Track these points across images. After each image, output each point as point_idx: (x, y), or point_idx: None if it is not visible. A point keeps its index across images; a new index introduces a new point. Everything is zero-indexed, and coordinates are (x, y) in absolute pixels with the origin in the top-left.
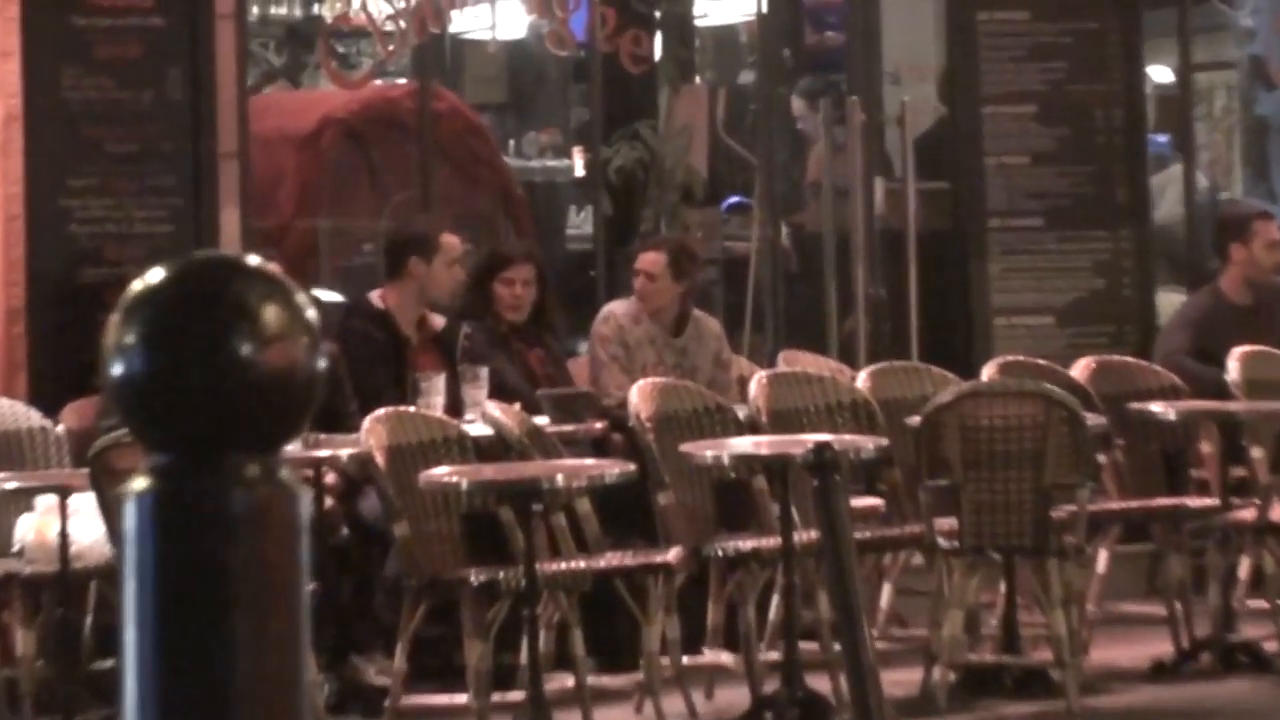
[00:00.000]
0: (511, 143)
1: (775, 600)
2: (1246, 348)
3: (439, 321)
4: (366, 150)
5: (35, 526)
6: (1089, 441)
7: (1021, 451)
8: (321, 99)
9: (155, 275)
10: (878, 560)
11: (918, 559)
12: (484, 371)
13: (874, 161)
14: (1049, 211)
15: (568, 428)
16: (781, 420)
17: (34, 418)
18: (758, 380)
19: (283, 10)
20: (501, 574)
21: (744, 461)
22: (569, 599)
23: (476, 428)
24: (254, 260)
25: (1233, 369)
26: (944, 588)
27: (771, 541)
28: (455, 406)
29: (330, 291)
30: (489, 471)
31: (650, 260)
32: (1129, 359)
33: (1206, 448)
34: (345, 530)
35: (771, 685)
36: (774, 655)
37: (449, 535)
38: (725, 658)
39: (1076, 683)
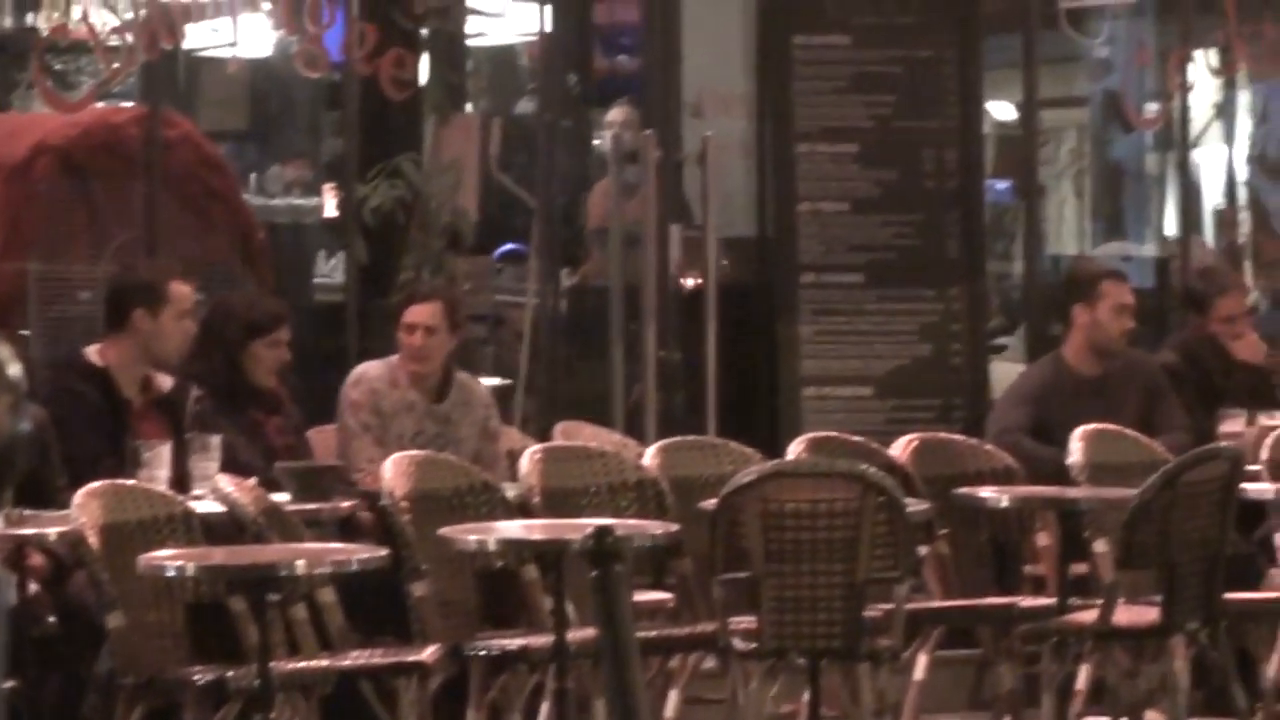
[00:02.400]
0: (253, 177)
1: (545, 707)
2: (1091, 426)
3: (165, 383)
4: (85, 183)
5: None
6: (908, 531)
7: (831, 541)
8: (34, 123)
9: None
10: (664, 663)
11: (710, 662)
12: (215, 441)
13: (669, 205)
14: (870, 266)
15: (311, 506)
16: (557, 501)
17: None
18: (530, 455)
19: None
20: (231, 673)
21: (513, 548)
22: (308, 702)
23: (205, 505)
24: None
25: (1075, 450)
26: (739, 695)
27: (542, 640)
28: (181, 480)
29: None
30: (219, 555)
31: (427, 312)
32: (957, 437)
33: (1043, 540)
34: (52, 619)
35: None
36: None
37: (171, 628)
38: None
39: None
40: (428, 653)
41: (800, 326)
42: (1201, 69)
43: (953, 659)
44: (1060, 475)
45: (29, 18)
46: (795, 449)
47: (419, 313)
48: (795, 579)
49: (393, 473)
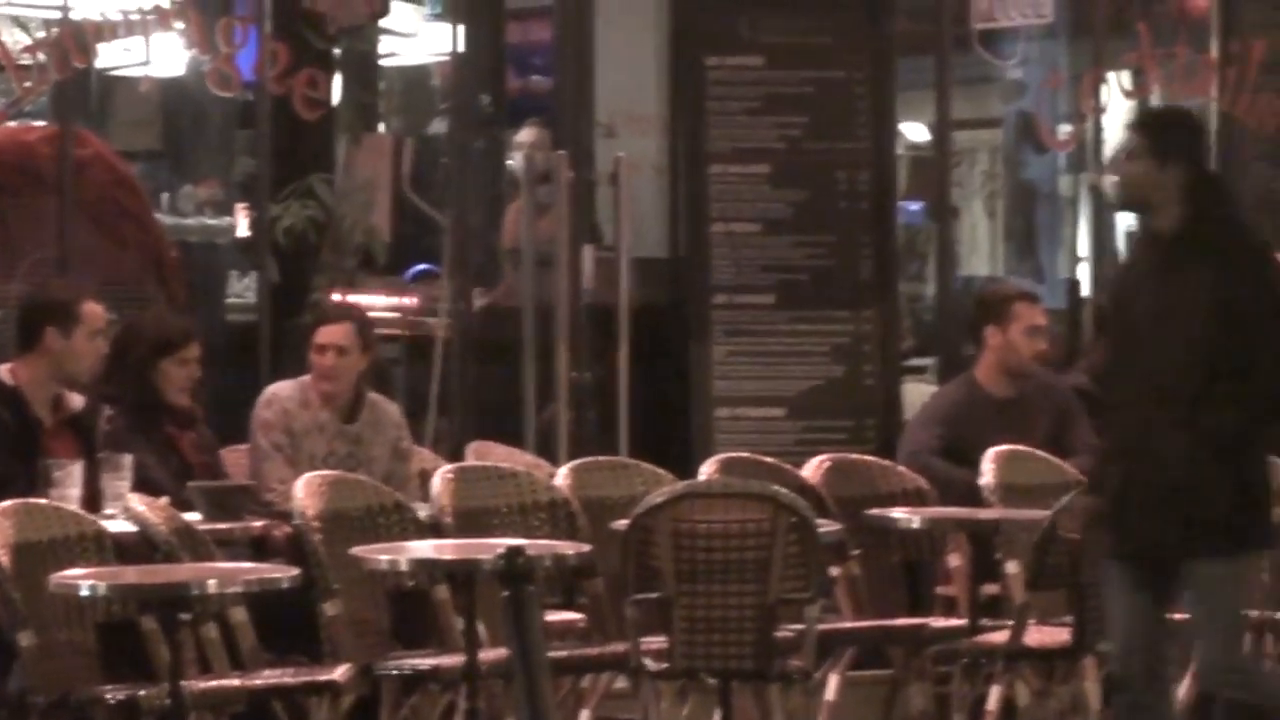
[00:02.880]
0: (165, 196)
1: None
2: (1003, 447)
3: (77, 402)
4: None
5: None
6: (820, 551)
7: (743, 562)
8: None
9: None
10: (575, 683)
11: (621, 682)
12: (127, 460)
13: (582, 225)
14: (782, 287)
15: (223, 526)
16: (468, 521)
17: None
18: (442, 475)
19: None
20: (142, 692)
21: (424, 568)
22: None
23: (117, 524)
24: None
25: (987, 471)
26: (650, 716)
27: (453, 659)
28: (93, 499)
29: None
30: (130, 575)
31: (339, 332)
32: (869, 458)
33: (955, 561)
34: None
35: None
36: None
37: (83, 647)
38: None
39: None
40: (339, 672)
41: (712, 347)
42: (1115, 91)
43: (864, 679)
44: (972, 496)
45: None
46: (707, 470)
47: (330, 333)
48: (707, 599)
49: (304, 492)
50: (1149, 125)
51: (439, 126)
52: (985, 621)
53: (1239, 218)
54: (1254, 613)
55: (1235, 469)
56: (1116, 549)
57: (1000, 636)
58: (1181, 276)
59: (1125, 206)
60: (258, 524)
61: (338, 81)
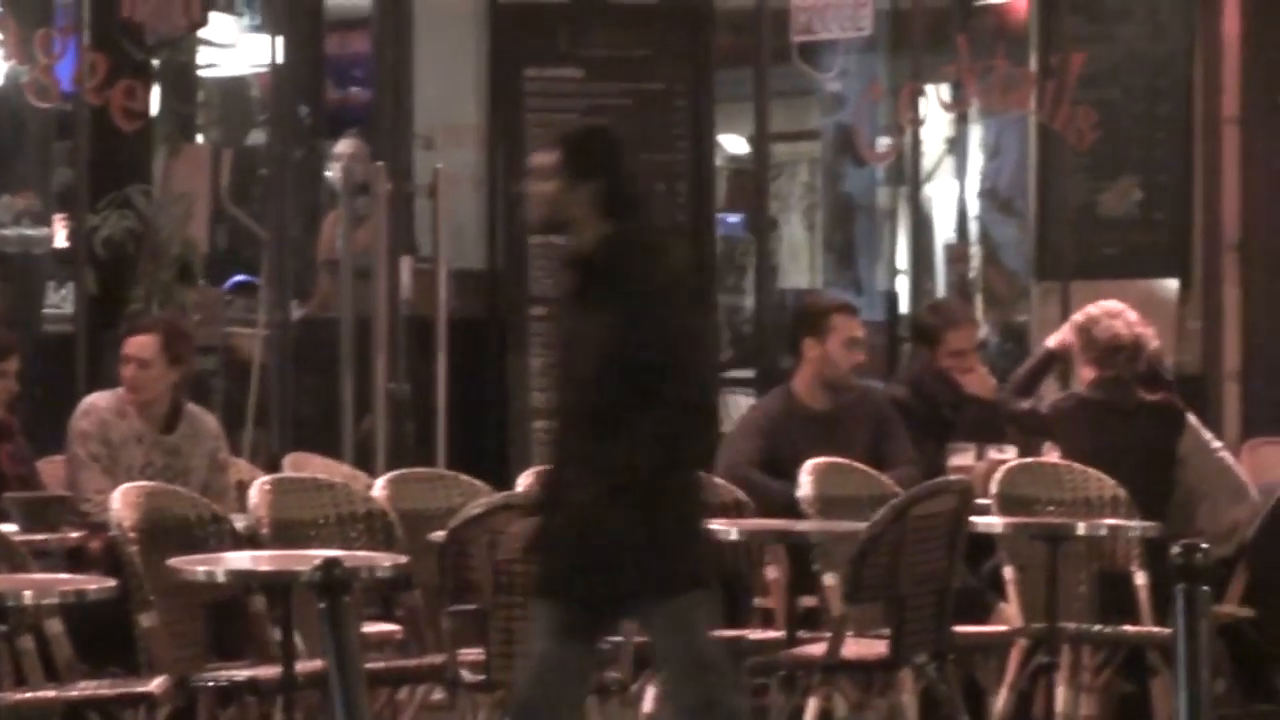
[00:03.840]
0: None
1: None
2: (821, 459)
3: None
4: None
5: None
6: None
7: None
8: None
9: None
10: (392, 694)
11: (438, 694)
12: None
13: (400, 237)
14: None
15: (39, 537)
16: (286, 533)
17: None
18: (259, 486)
19: None
20: None
21: (241, 579)
22: None
23: None
24: None
25: (805, 483)
26: None
27: (270, 670)
28: None
29: None
30: None
31: (141, 344)
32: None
33: (772, 573)
34: None
35: None
36: None
37: None
38: None
39: None
40: (156, 683)
41: (530, 359)
42: (933, 104)
43: None
44: (790, 508)
45: None
46: (524, 481)
47: (133, 345)
48: (524, 611)
49: (121, 503)
50: (563, 143)
51: (258, 138)
52: (803, 633)
53: (654, 243)
54: (1071, 625)
55: (640, 512)
56: (539, 587)
57: (818, 648)
58: (588, 306)
59: (542, 228)
60: (74, 535)
61: (156, 92)
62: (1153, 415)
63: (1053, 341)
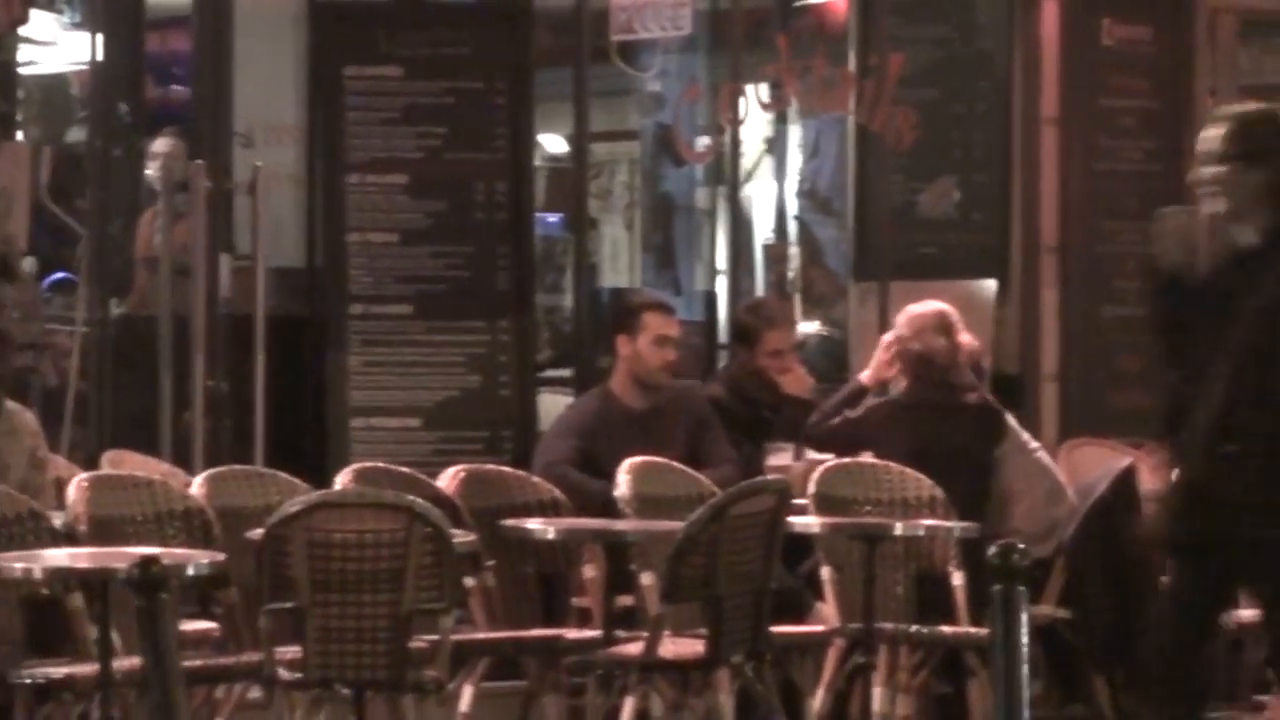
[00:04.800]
0: None
1: None
2: (639, 459)
3: None
4: None
5: None
6: (455, 562)
7: (378, 572)
8: None
9: None
10: (210, 692)
11: (256, 692)
12: None
13: (219, 235)
14: (419, 297)
15: None
16: (103, 530)
17: None
18: (77, 483)
19: None
20: None
21: (58, 576)
22: None
23: None
24: None
25: (622, 483)
26: None
27: (88, 668)
28: None
29: None
30: None
31: None
32: (504, 469)
33: (590, 572)
34: None
35: None
36: None
37: None
38: None
39: None
40: None
41: (349, 357)
42: (753, 104)
43: (498, 690)
44: (607, 507)
45: None
46: (342, 479)
47: None
48: (341, 609)
49: None
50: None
51: (78, 135)
52: (620, 633)
53: None
54: (888, 625)
55: None
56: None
57: (635, 648)
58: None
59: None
60: None
61: None
62: (971, 417)
63: (865, 376)
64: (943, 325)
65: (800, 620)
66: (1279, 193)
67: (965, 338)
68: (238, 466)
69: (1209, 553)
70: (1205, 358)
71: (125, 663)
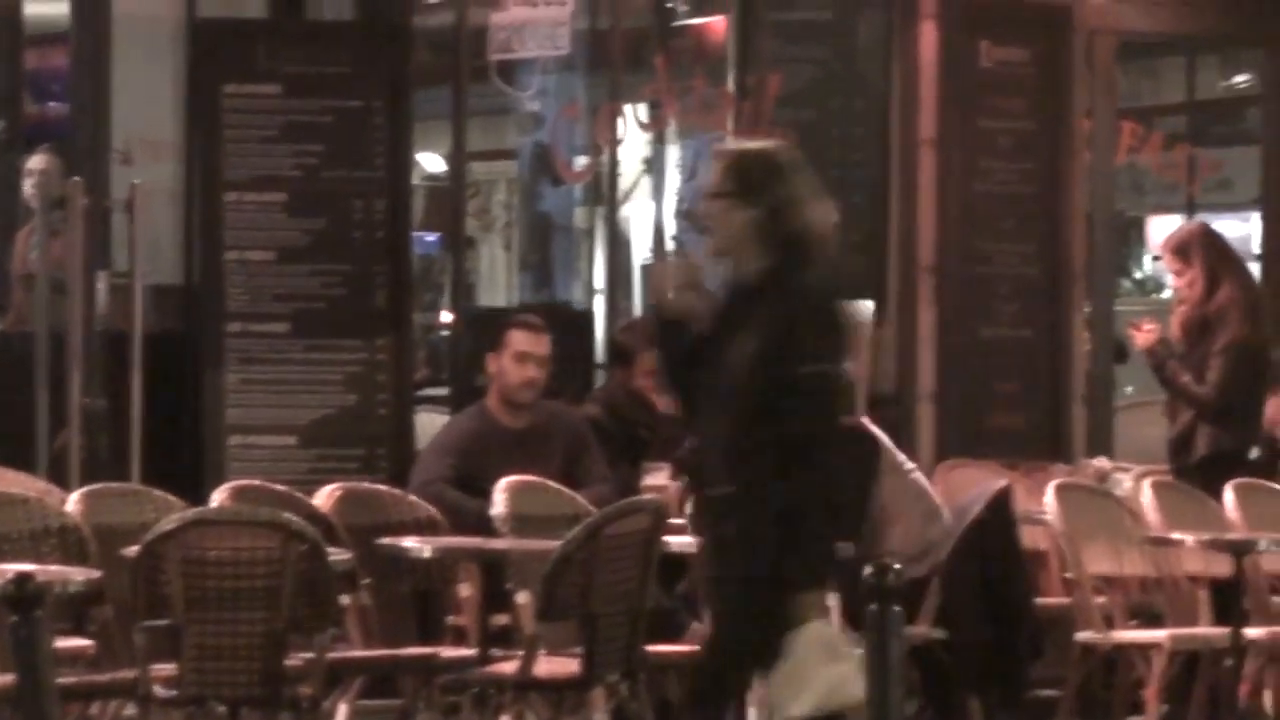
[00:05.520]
0: None
1: None
2: (515, 478)
3: None
4: None
5: None
6: (331, 580)
7: (253, 590)
8: None
9: None
10: (84, 709)
11: (131, 709)
12: None
13: (96, 252)
14: (297, 316)
15: None
16: None
17: None
18: None
19: None
20: None
21: None
22: None
23: None
24: None
25: (499, 502)
26: None
27: None
28: None
29: None
30: None
31: None
32: (381, 487)
33: (465, 590)
34: None
35: None
36: None
37: None
38: None
39: None
40: None
41: (226, 375)
42: (631, 123)
43: (374, 709)
44: (484, 526)
45: None
46: (219, 497)
47: None
48: (216, 626)
49: None
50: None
51: None
52: (495, 651)
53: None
54: None
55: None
56: None
57: (510, 666)
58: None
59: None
60: None
61: None
62: (845, 439)
63: None
64: None
65: (676, 640)
66: (769, 232)
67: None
68: (114, 484)
69: None
70: (705, 402)
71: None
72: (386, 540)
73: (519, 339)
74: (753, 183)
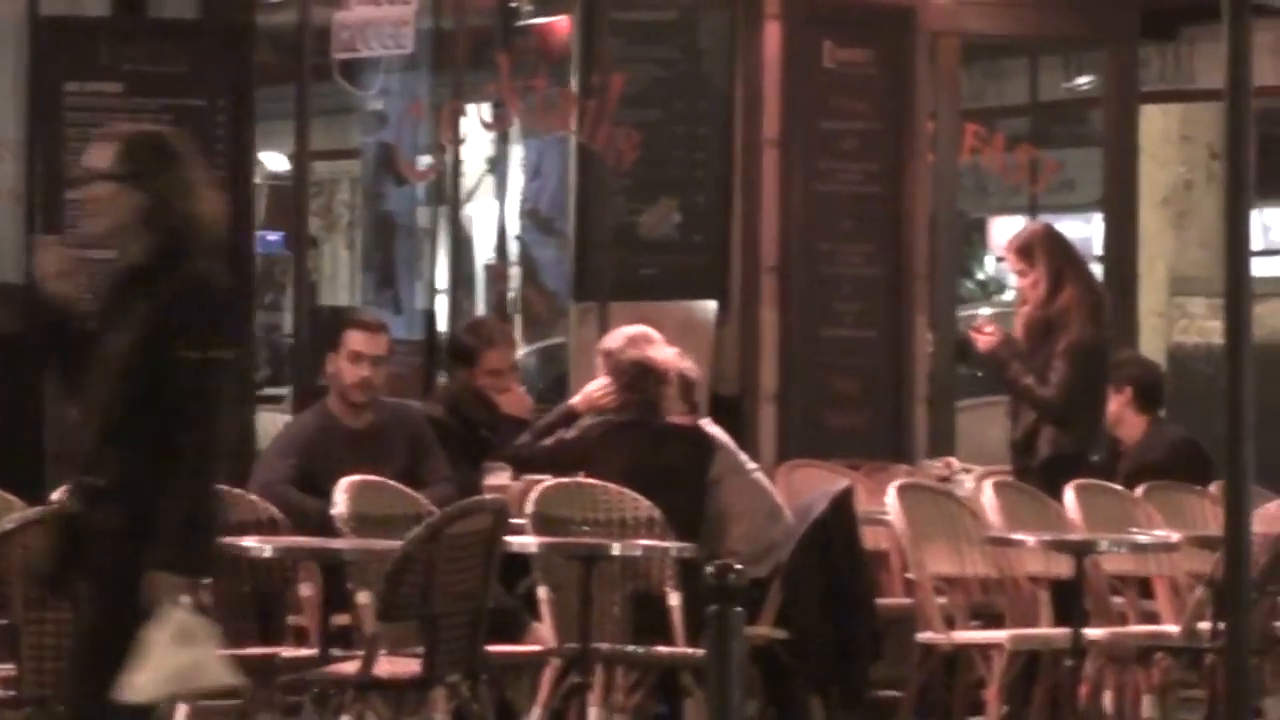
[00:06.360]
0: None
1: None
2: (356, 477)
3: None
4: None
5: None
6: None
7: None
8: None
9: None
10: None
11: None
12: None
13: None
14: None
15: None
16: None
17: None
18: None
19: None
20: None
21: None
22: None
23: None
24: None
25: (340, 501)
26: None
27: None
28: None
29: None
30: None
31: None
32: (221, 487)
33: (307, 590)
34: None
35: None
36: None
37: None
38: None
39: None
40: None
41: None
42: (475, 123)
43: (213, 709)
44: (325, 526)
45: None
46: (58, 495)
47: None
48: (56, 626)
49: None
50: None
51: None
52: (336, 652)
53: None
54: (605, 646)
55: None
56: None
57: (351, 666)
58: None
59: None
60: None
61: None
62: (682, 438)
63: (576, 400)
64: (650, 340)
65: (517, 640)
66: (155, 215)
67: (686, 362)
68: None
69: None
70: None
71: None
72: (227, 540)
73: (355, 339)
74: (142, 167)
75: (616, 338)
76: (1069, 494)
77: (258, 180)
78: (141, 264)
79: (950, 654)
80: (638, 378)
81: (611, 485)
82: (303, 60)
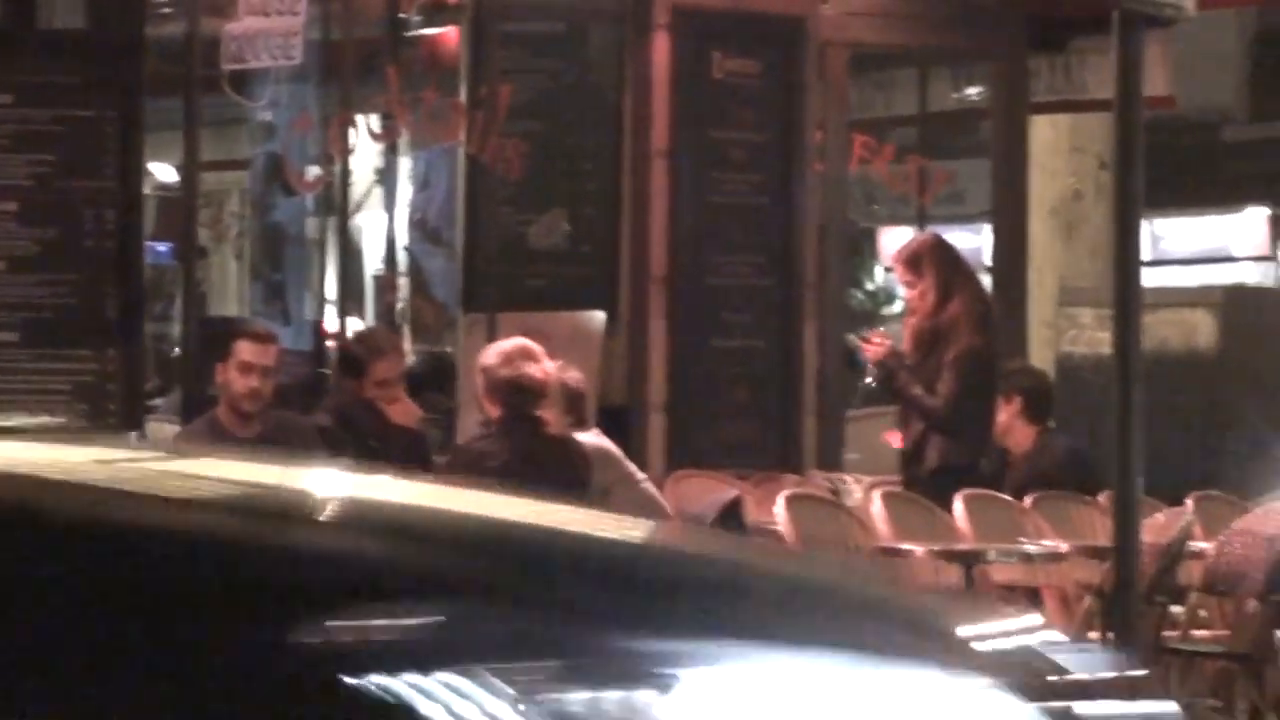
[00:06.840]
0: None
1: None
2: None
3: None
4: None
5: None
6: None
7: None
8: None
9: None
10: None
11: None
12: None
13: None
14: (25, 325)
15: None
16: None
17: None
18: None
19: None
20: None
21: None
22: None
23: None
24: None
25: None
26: None
27: None
28: None
29: None
30: None
31: None
32: None
33: None
34: None
35: None
36: None
37: None
38: None
39: None
40: None
41: None
42: (363, 134)
43: None
44: None
45: None
46: None
47: None
48: None
49: None
50: None
51: None
52: None
53: None
54: None
55: None
56: None
57: None
58: None
59: None
60: None
61: None
62: (563, 449)
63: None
64: (527, 355)
65: None
66: None
67: (572, 373)
68: None
69: None
70: None
71: None
72: None
73: (244, 349)
74: None
75: (492, 354)
76: (958, 504)
77: (147, 191)
78: None
79: None
80: (512, 395)
81: None
82: (191, 71)
